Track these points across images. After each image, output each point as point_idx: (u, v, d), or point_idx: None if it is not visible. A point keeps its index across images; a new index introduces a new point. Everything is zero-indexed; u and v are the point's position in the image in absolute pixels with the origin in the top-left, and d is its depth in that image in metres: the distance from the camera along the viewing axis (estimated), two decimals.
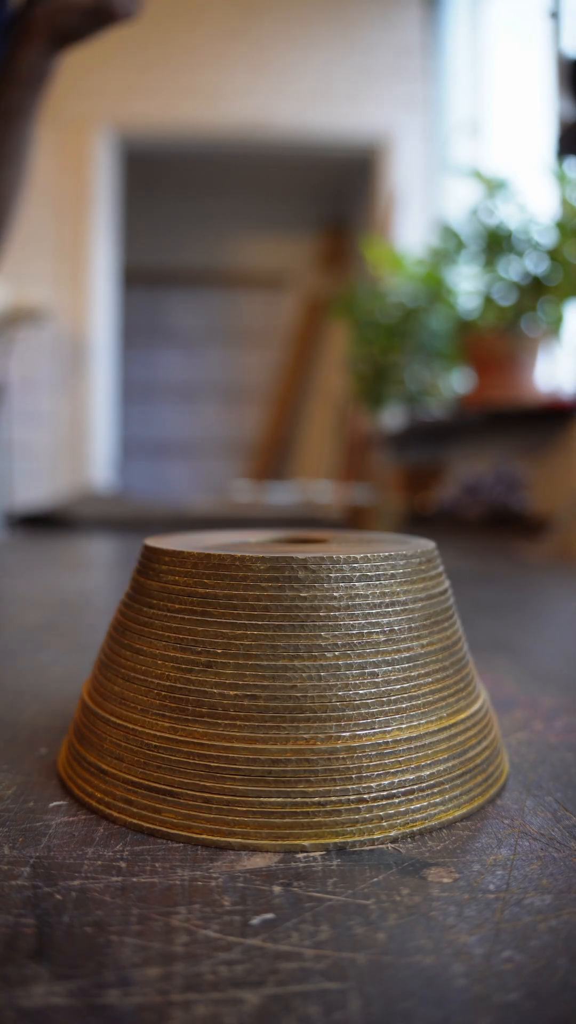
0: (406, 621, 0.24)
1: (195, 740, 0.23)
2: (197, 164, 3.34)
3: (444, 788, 0.23)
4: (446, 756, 0.24)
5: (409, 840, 0.22)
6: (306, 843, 0.22)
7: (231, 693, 0.23)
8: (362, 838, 0.22)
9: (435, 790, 0.23)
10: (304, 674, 0.23)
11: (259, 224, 3.86)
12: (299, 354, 3.84)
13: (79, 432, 2.89)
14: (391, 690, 0.23)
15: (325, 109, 2.84)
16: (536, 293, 1.33)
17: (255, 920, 0.18)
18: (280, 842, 0.22)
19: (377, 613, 0.24)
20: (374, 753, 0.23)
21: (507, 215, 1.35)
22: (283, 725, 0.22)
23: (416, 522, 1.45)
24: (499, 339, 1.39)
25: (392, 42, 2.83)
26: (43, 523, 1.21)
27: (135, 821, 0.23)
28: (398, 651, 0.24)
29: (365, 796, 0.22)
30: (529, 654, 0.45)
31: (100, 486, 2.56)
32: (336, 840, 0.22)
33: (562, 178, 1.26)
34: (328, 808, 0.22)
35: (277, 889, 0.20)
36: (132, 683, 0.25)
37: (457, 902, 0.19)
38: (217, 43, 2.81)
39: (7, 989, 0.16)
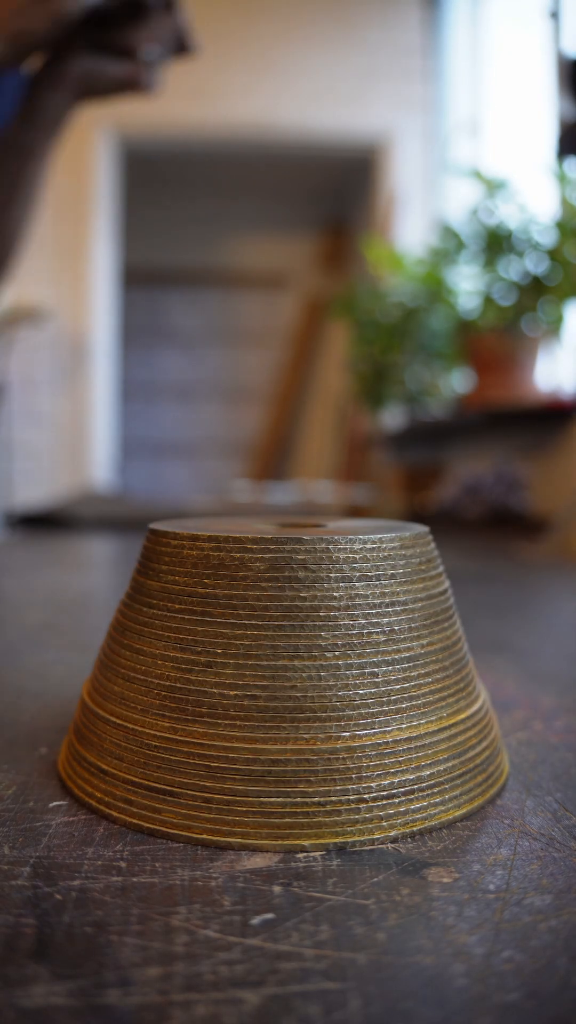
0: (406, 621, 0.24)
1: (195, 740, 0.23)
2: (197, 164, 3.34)
3: (444, 788, 0.23)
4: (446, 756, 0.24)
5: (409, 840, 0.22)
6: (306, 843, 0.22)
7: (231, 693, 0.23)
8: (362, 838, 0.22)
9: (435, 790, 0.23)
10: (304, 674, 0.23)
11: (259, 224, 3.86)
12: (299, 354, 3.84)
13: (79, 432, 2.89)
14: (391, 690, 0.23)
15: (325, 109, 2.84)
16: (536, 293, 1.33)
17: (255, 920, 0.18)
18: (280, 842, 0.22)
19: (377, 613, 0.24)
20: (374, 753, 0.23)
21: (507, 215, 1.35)
22: (283, 725, 0.22)
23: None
24: (499, 339, 1.39)
25: (392, 42, 2.83)
26: (43, 523, 1.21)
27: (135, 821, 0.23)
28: (398, 651, 0.24)
29: (365, 796, 0.22)
30: (529, 654, 0.45)
31: (100, 486, 2.56)
32: (336, 840, 0.22)
33: (562, 178, 1.26)
34: (328, 808, 0.22)
35: (277, 889, 0.20)
36: (132, 683, 0.25)
37: (457, 902, 0.19)
38: (217, 43, 2.80)
39: (7, 989, 0.16)
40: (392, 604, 0.24)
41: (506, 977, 0.16)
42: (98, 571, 0.82)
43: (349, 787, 0.22)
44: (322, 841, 0.22)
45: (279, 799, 0.22)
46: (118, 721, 0.24)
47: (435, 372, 1.85)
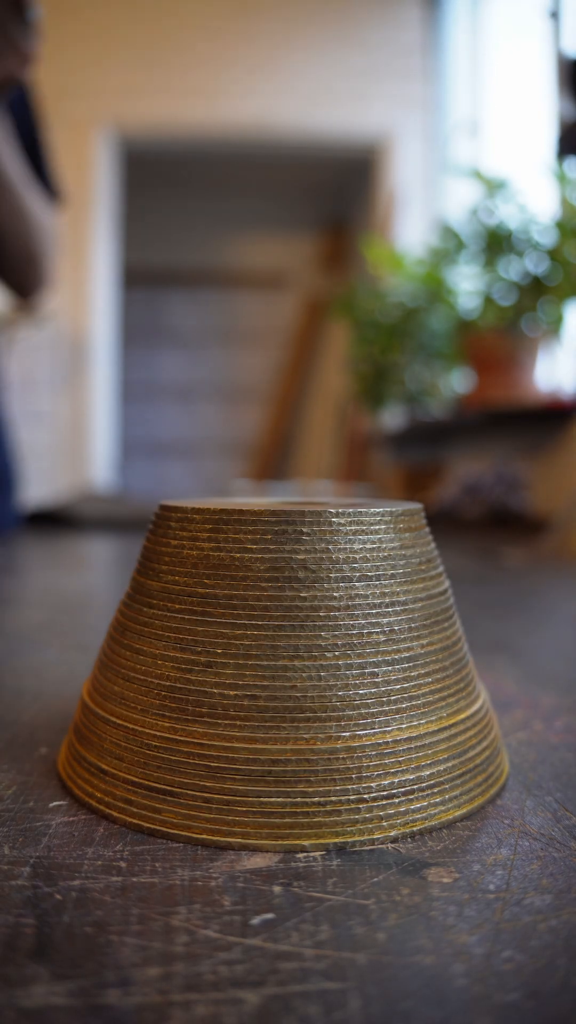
0: (406, 621, 0.24)
1: (195, 740, 0.23)
2: (197, 164, 3.34)
3: (444, 788, 0.23)
4: (446, 756, 0.24)
5: (409, 840, 0.22)
6: (306, 843, 0.22)
7: (231, 693, 0.23)
8: (362, 838, 0.22)
9: (435, 790, 0.23)
10: (304, 674, 0.23)
11: (259, 224, 3.86)
12: (299, 354, 3.84)
13: (79, 432, 2.89)
14: (391, 690, 0.23)
15: (325, 109, 2.84)
16: (536, 293, 1.33)
17: (255, 920, 0.18)
18: (280, 842, 0.22)
19: (377, 613, 0.24)
20: (374, 753, 0.23)
21: (507, 215, 1.35)
22: (283, 725, 0.22)
23: None
24: (499, 339, 1.39)
25: (392, 42, 2.83)
26: (43, 522, 1.21)
27: (135, 821, 0.23)
28: (398, 651, 0.24)
29: (365, 796, 0.22)
30: (529, 654, 0.45)
31: (100, 486, 2.56)
32: (336, 840, 0.22)
33: (562, 178, 1.26)
34: (328, 808, 0.22)
35: (277, 889, 0.20)
36: (132, 683, 0.25)
37: (457, 902, 0.19)
38: (217, 43, 2.81)
39: (7, 989, 0.16)
40: (392, 604, 0.24)
41: (506, 977, 0.16)
42: (98, 571, 0.82)
43: (349, 787, 0.22)
44: (322, 841, 0.22)
45: (279, 799, 0.22)
46: (118, 721, 0.24)
47: (435, 372, 1.85)
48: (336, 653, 0.23)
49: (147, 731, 0.23)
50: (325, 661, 0.23)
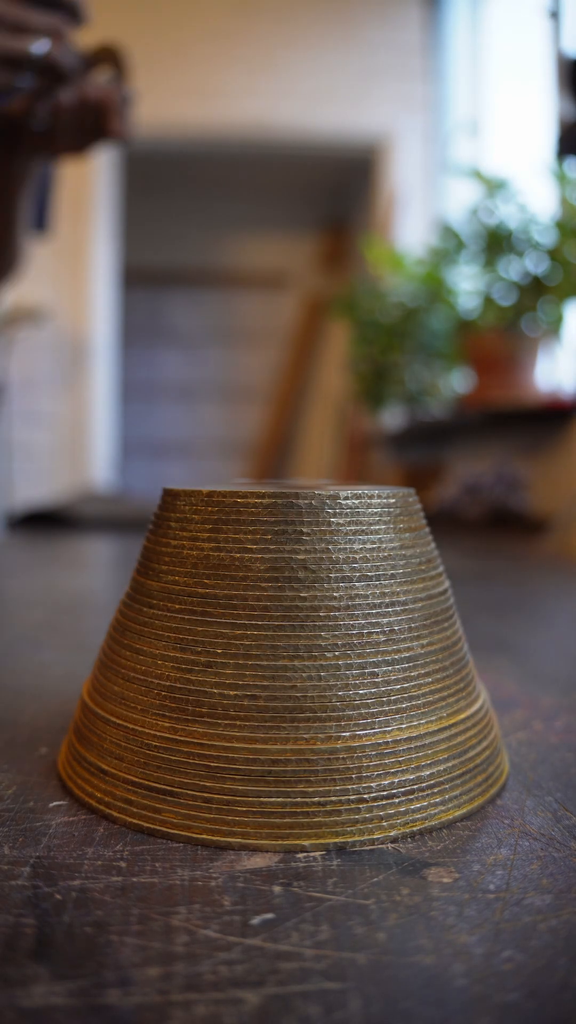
0: (406, 621, 0.24)
1: (195, 740, 0.23)
2: (197, 164, 3.34)
3: (444, 788, 0.23)
4: (446, 756, 0.24)
5: (409, 840, 0.22)
6: (306, 843, 0.22)
7: (231, 693, 0.23)
8: (362, 838, 0.22)
9: (435, 790, 0.23)
10: (304, 674, 0.23)
11: (259, 224, 3.86)
12: (299, 354, 3.83)
13: (79, 432, 2.89)
14: (391, 690, 0.23)
15: (325, 109, 2.84)
16: (536, 293, 1.33)
17: (255, 920, 0.18)
18: (280, 842, 0.22)
19: (377, 613, 0.24)
20: (374, 753, 0.23)
21: (507, 215, 1.35)
22: (283, 725, 0.22)
23: None
24: (499, 339, 1.39)
25: (392, 42, 2.83)
26: (43, 521, 1.21)
27: (135, 821, 0.23)
28: (398, 651, 0.24)
29: (365, 796, 0.22)
30: (529, 654, 0.45)
31: (100, 486, 2.56)
32: (336, 840, 0.22)
33: (562, 178, 1.26)
34: (328, 808, 0.22)
35: (277, 889, 0.20)
36: (132, 683, 0.25)
37: (457, 902, 0.19)
38: (217, 43, 2.80)
39: (7, 989, 0.16)
40: (392, 604, 0.24)
41: (506, 977, 0.16)
42: (98, 571, 0.82)
43: (349, 787, 0.22)
44: (322, 841, 0.22)
45: (279, 799, 0.22)
46: (118, 721, 0.24)
47: (435, 372, 1.85)
48: (336, 653, 0.23)
49: (147, 731, 0.23)
50: (325, 661, 0.23)
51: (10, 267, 0.73)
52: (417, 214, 2.77)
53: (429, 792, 0.23)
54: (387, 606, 0.24)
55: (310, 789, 0.22)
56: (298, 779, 0.22)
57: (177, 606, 0.24)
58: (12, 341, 2.73)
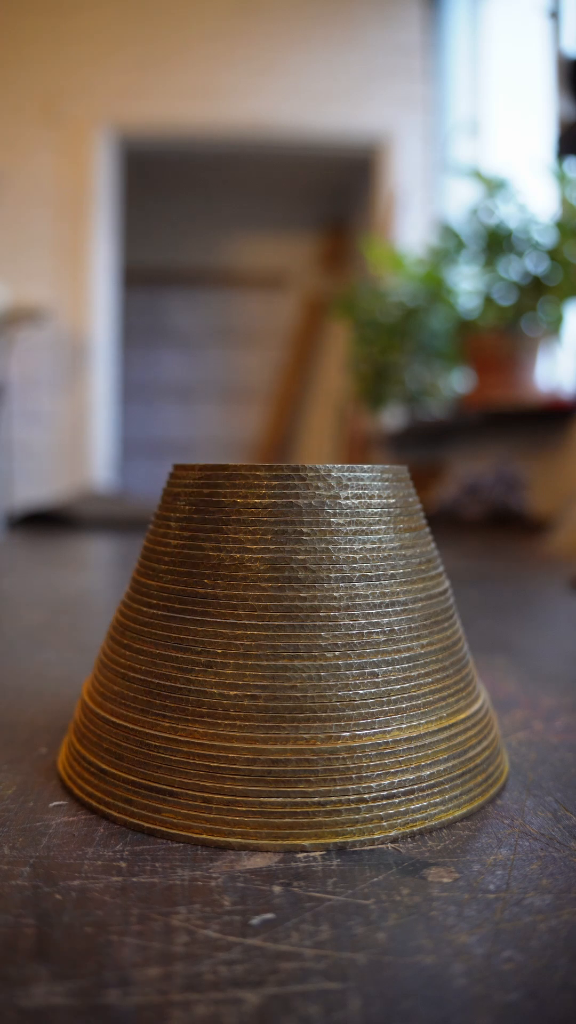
0: (406, 621, 0.24)
1: (195, 740, 0.23)
2: (197, 164, 3.34)
3: (444, 788, 0.23)
4: (446, 756, 0.24)
5: (409, 840, 0.22)
6: (306, 843, 0.22)
7: (231, 693, 0.23)
8: (362, 838, 0.22)
9: (435, 790, 0.23)
10: (304, 674, 0.23)
11: (259, 224, 3.86)
12: (299, 354, 3.83)
13: (79, 432, 2.89)
14: (391, 690, 0.23)
15: (325, 109, 2.84)
16: (536, 293, 1.33)
17: (255, 920, 0.18)
18: (280, 842, 0.22)
19: (377, 613, 0.24)
20: (374, 753, 0.23)
21: (507, 215, 1.35)
22: (283, 725, 0.22)
23: None
24: (499, 339, 1.39)
25: (392, 41, 2.83)
26: (43, 521, 1.21)
27: (135, 821, 0.23)
28: (398, 651, 0.24)
29: (365, 796, 0.22)
30: (529, 654, 0.45)
31: (100, 486, 2.56)
32: (336, 840, 0.22)
33: (562, 178, 1.26)
34: (328, 808, 0.22)
35: (277, 889, 0.20)
36: (132, 683, 0.25)
37: (457, 902, 0.19)
38: (217, 43, 2.80)
39: (7, 989, 0.16)
40: (392, 604, 0.24)
41: (506, 977, 0.16)
42: (98, 571, 0.82)
43: (349, 787, 0.22)
44: (322, 841, 0.22)
45: (279, 799, 0.22)
46: (118, 721, 0.24)
47: (435, 372, 1.85)
48: (336, 653, 0.23)
49: (147, 731, 0.23)
50: (325, 661, 0.23)
51: None
52: (417, 214, 2.76)
53: (429, 792, 0.23)
54: (387, 606, 0.24)
55: (310, 789, 0.22)
56: (298, 779, 0.22)
57: (177, 606, 0.24)
58: (12, 341, 2.73)
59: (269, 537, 0.24)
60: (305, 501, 0.24)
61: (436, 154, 2.80)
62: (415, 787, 0.23)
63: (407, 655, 0.24)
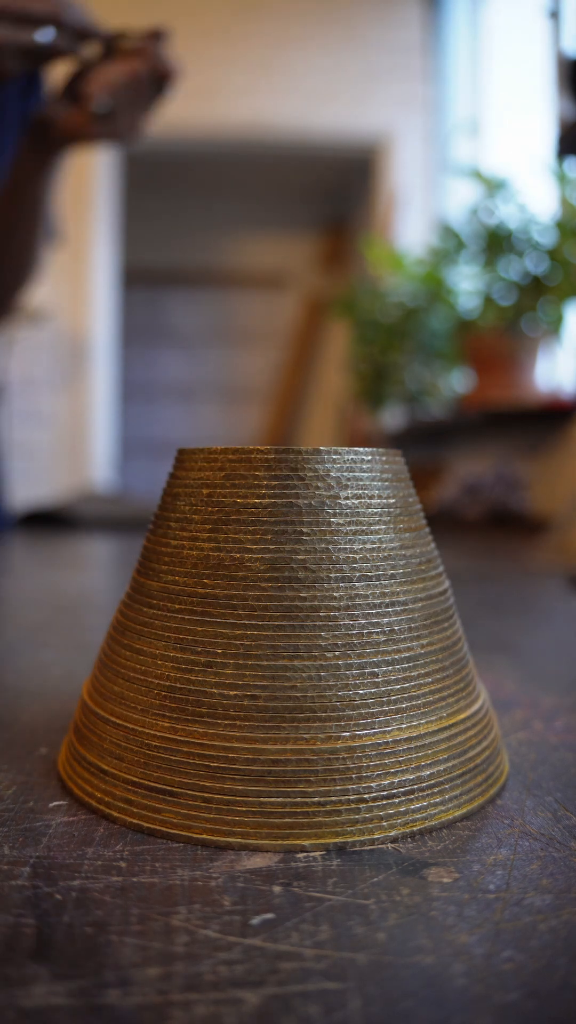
0: (406, 621, 0.24)
1: (195, 740, 0.23)
2: (197, 164, 3.34)
3: (444, 788, 0.23)
4: (446, 756, 0.24)
5: (409, 840, 0.22)
6: (306, 843, 0.22)
7: (231, 693, 0.23)
8: (362, 838, 0.22)
9: (435, 790, 0.23)
10: (304, 674, 0.23)
11: (259, 224, 3.86)
12: (299, 354, 3.84)
13: (79, 432, 2.89)
14: (391, 690, 0.23)
15: (325, 109, 2.84)
16: (536, 293, 1.33)
17: (255, 920, 0.18)
18: (280, 842, 0.22)
19: (377, 613, 0.24)
20: (374, 753, 0.23)
21: (507, 215, 1.35)
22: (283, 725, 0.22)
23: None
24: (499, 339, 1.39)
25: (392, 42, 2.83)
26: (43, 522, 1.21)
27: (135, 821, 0.23)
28: (398, 651, 0.24)
29: (365, 796, 0.22)
30: (529, 654, 0.45)
31: (100, 486, 2.56)
32: (336, 840, 0.22)
33: (562, 178, 1.26)
34: (328, 808, 0.22)
35: (277, 889, 0.20)
36: (132, 683, 0.25)
37: (457, 902, 0.19)
38: (217, 43, 2.80)
39: (7, 989, 0.16)
40: (392, 604, 0.24)
41: (506, 977, 0.16)
42: (98, 571, 0.82)
43: (349, 787, 0.22)
44: (322, 841, 0.22)
45: (279, 799, 0.22)
46: (118, 721, 0.24)
47: (435, 372, 1.85)
48: (336, 653, 0.23)
49: (147, 731, 0.23)
50: (325, 661, 0.23)
51: (32, 273, 0.73)
52: (417, 214, 2.77)
53: (429, 792, 0.23)
54: (387, 606, 0.24)
55: (310, 789, 0.22)
56: (298, 779, 0.22)
57: (177, 606, 0.24)
58: (12, 341, 2.73)
59: (269, 537, 0.24)
60: (305, 501, 0.24)
61: (436, 154, 2.80)
62: (415, 787, 0.23)
63: (407, 655, 0.24)
